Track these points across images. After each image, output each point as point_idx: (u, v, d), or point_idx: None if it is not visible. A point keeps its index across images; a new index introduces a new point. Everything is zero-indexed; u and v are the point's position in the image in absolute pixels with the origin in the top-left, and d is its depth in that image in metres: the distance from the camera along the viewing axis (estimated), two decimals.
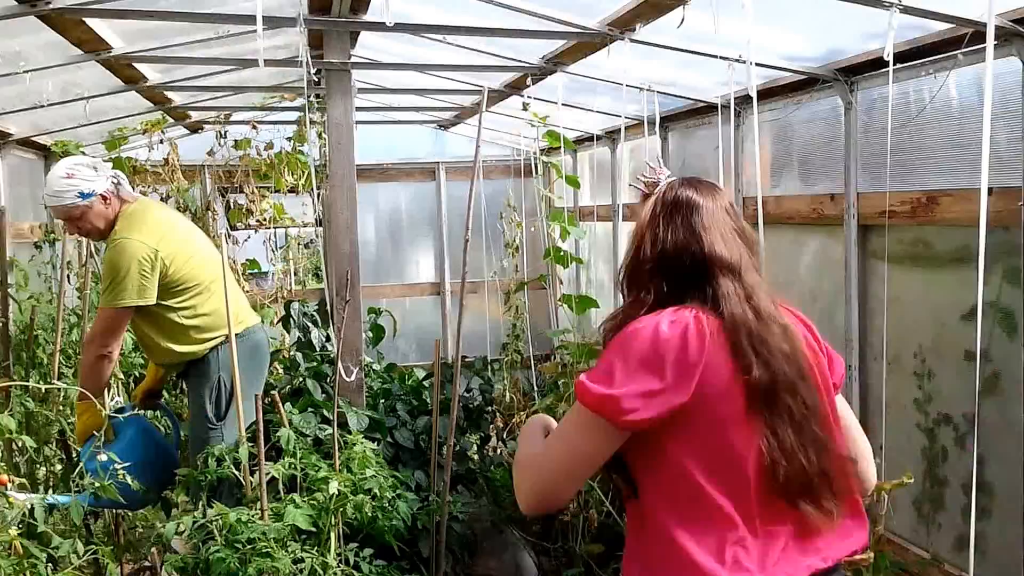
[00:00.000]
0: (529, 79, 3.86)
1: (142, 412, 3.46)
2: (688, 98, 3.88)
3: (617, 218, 5.25)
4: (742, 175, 3.78)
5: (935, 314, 2.79)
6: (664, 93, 3.76)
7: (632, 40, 3.02)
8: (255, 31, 3.42)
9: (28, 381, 3.51)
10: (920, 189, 2.76)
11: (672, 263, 1.55)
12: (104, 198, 3.23)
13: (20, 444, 3.41)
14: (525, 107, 3.68)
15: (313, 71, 3.65)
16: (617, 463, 1.53)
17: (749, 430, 1.45)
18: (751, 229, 1.63)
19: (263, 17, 2.57)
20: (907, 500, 2.90)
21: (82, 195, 3.18)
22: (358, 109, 5.33)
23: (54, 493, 2.79)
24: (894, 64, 2.33)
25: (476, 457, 4.61)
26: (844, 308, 3.14)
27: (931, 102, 2.69)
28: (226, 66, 3.95)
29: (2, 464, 3.01)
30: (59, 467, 3.53)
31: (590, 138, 5.21)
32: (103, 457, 2.73)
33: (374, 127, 6.06)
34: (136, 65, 3.83)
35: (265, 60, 3.80)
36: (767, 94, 3.41)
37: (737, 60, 2.95)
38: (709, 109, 3.94)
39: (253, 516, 2.57)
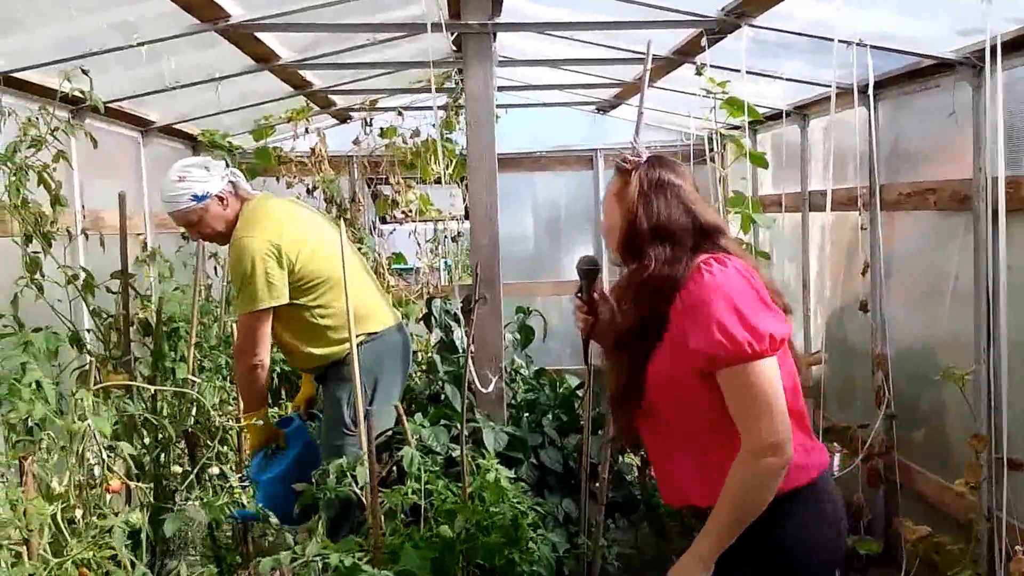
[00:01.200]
0: (704, 40, 3.21)
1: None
2: (913, 53, 3.09)
3: (806, 208, 4.49)
4: (984, 150, 2.93)
5: None
6: (880, 48, 3.00)
7: None
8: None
9: (156, 375, 3.29)
10: None
11: (673, 232, 1.80)
12: (220, 199, 3.05)
13: (143, 444, 3.18)
14: (699, 72, 3.04)
15: (451, 37, 3.19)
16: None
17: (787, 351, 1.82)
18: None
19: None
20: None
21: (196, 198, 3.02)
22: (504, 89, 4.87)
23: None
24: None
25: (636, 481, 4.01)
26: None
27: None
28: (351, 32, 3.57)
29: (115, 471, 2.73)
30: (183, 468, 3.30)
31: (774, 116, 4.48)
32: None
33: (525, 112, 5.57)
34: (264, 41, 3.51)
35: (398, 28, 3.41)
36: (1019, 43, 2.61)
37: None
38: (936, 69, 3.14)
39: (363, 557, 2.10)
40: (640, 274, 1.80)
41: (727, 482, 1.71)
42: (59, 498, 2.06)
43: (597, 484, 3.43)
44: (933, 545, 2.99)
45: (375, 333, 3.10)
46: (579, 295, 2.06)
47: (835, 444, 3.57)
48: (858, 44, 2.97)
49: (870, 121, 3.53)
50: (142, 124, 4.32)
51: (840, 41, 2.81)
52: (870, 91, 3.01)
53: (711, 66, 3.36)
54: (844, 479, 3.41)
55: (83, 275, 3.09)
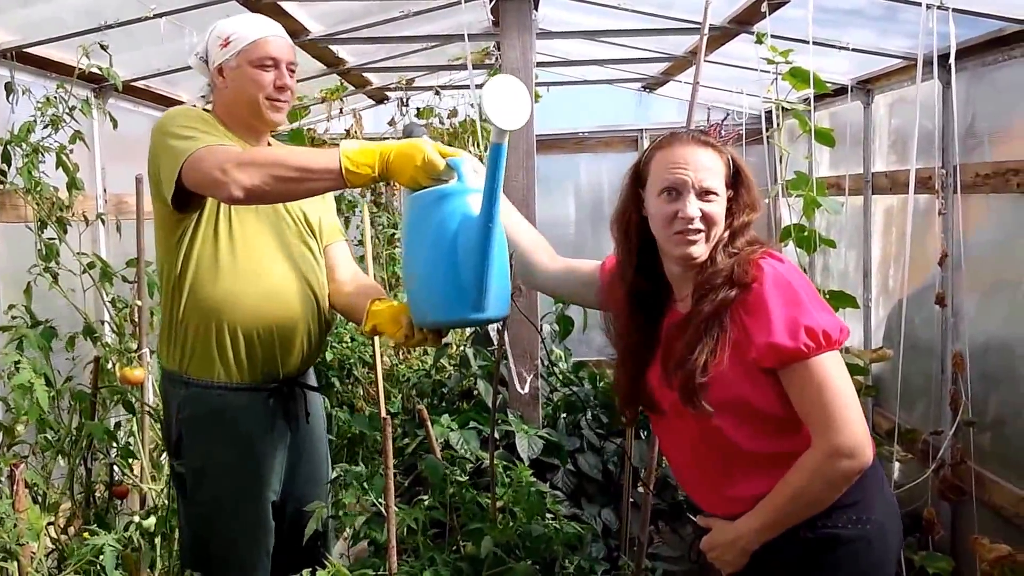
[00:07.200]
0: (765, 5, 2.93)
1: None
2: (1001, 18, 2.77)
3: (868, 191, 4.18)
4: None
5: None
6: (964, 12, 2.69)
7: None
8: None
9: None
10: None
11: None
12: None
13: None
14: (760, 40, 2.76)
15: (489, 4, 2.95)
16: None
17: None
18: None
19: None
20: None
21: None
22: (544, 66, 4.62)
23: None
24: None
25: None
26: None
27: None
28: (381, 0, 3.36)
29: (129, 472, 2.58)
30: None
31: (834, 92, 4.17)
32: None
33: (567, 92, 5.33)
34: (292, 13, 3.32)
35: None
36: None
37: None
38: (1021, 36, 2.83)
39: None
40: (733, 276, 1.61)
41: (792, 472, 1.57)
42: (54, 508, 1.90)
43: (640, 490, 3.21)
44: (1013, 565, 2.72)
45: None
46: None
47: (897, 449, 3.30)
48: (939, 7, 2.66)
49: (946, 95, 3.22)
50: (171, 104, 4.16)
51: (919, 3, 2.51)
52: (951, 60, 2.70)
53: (771, 36, 3.08)
54: (908, 491, 3.14)
55: (99, 263, 2.95)
